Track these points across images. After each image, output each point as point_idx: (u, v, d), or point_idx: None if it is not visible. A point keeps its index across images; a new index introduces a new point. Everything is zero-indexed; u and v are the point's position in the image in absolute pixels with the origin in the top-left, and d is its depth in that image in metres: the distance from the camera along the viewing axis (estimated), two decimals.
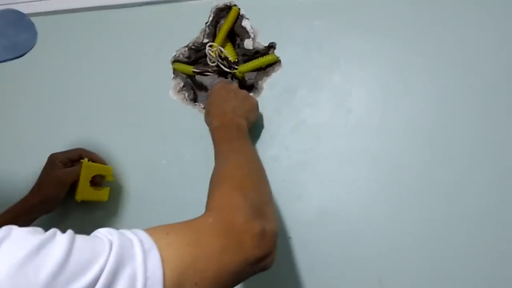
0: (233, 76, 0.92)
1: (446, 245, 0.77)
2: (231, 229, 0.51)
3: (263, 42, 0.91)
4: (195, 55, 0.95)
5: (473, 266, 0.75)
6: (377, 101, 0.84)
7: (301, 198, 0.84)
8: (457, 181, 0.78)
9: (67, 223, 0.92)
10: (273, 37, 0.91)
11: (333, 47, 0.87)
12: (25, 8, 0.56)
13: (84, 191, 0.86)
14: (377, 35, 0.86)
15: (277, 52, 0.90)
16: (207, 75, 0.94)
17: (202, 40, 0.93)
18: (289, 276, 0.82)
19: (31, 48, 0.51)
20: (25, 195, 0.85)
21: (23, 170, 0.94)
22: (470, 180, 0.78)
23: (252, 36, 0.91)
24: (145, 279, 0.41)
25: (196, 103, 0.93)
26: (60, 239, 0.40)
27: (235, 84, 0.85)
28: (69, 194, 0.87)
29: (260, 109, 0.86)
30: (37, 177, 0.87)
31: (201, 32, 0.94)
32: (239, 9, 0.92)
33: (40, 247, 0.38)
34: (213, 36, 0.94)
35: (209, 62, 0.91)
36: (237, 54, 0.93)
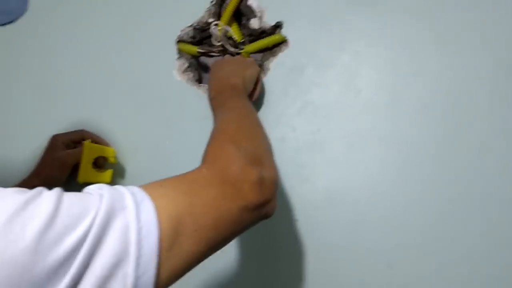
0: (239, 55, 0.90)
1: (459, 227, 0.75)
2: (226, 178, 0.50)
3: (269, 22, 0.89)
4: (200, 35, 0.93)
5: (487, 247, 0.73)
6: (387, 81, 0.82)
7: (308, 180, 0.82)
8: (469, 162, 0.76)
9: None
10: (279, 16, 0.88)
11: (341, 25, 0.85)
12: None
13: (86, 173, 0.84)
14: (387, 12, 0.83)
15: (284, 31, 0.88)
16: (212, 55, 0.92)
17: (207, 20, 0.91)
18: (295, 259, 0.80)
19: (22, 14, 0.49)
20: (24, 177, 0.84)
21: (23, 152, 0.93)
22: (483, 161, 0.75)
23: (258, 15, 0.89)
24: (139, 228, 0.39)
25: (201, 84, 0.91)
26: (47, 195, 0.38)
27: (227, 56, 0.83)
28: (71, 176, 0.85)
29: (267, 90, 0.84)
30: (37, 159, 0.85)
31: (206, 11, 0.92)
32: None
33: (27, 204, 0.37)
34: (218, 15, 0.92)
35: (214, 42, 0.89)
36: (243, 34, 0.91)
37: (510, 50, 0.78)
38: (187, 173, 0.50)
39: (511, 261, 0.72)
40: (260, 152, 0.57)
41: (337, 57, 0.84)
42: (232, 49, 0.88)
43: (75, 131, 0.87)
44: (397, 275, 0.77)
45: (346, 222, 0.79)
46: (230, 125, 0.61)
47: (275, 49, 0.88)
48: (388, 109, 0.81)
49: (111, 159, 0.86)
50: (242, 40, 0.89)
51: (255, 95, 0.81)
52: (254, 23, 0.90)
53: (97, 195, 0.41)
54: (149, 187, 0.44)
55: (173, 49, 0.92)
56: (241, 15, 0.92)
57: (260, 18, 0.89)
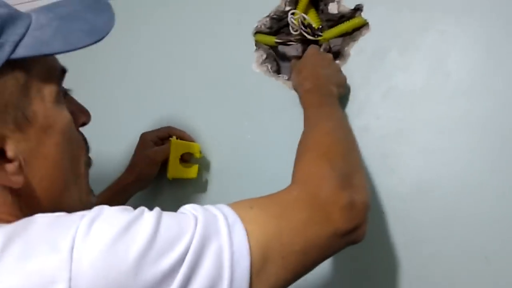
0: (317, 44, 0.87)
1: None
2: (317, 201, 0.49)
3: (348, 5, 0.85)
4: (277, 25, 0.91)
5: None
6: (479, 63, 0.75)
7: (394, 171, 0.78)
8: None
9: (160, 200, 0.95)
10: None
11: (426, 3, 0.79)
12: None
13: (175, 169, 0.87)
14: None
15: (364, 14, 0.83)
16: (290, 44, 0.90)
17: (284, 8, 0.89)
18: (382, 254, 0.78)
19: (110, 31, 0.50)
20: (120, 174, 0.89)
21: (118, 150, 0.98)
22: None
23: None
24: (232, 253, 0.40)
25: (280, 75, 0.90)
26: (147, 217, 0.40)
27: (330, 55, 0.81)
28: (161, 172, 0.89)
29: (348, 77, 0.81)
30: (130, 156, 0.90)
31: (282, 0, 0.90)
32: None
33: (129, 226, 0.39)
34: (295, 3, 0.89)
35: (291, 31, 0.87)
36: (321, 20, 0.88)
37: None
38: (277, 193, 0.50)
39: None
40: (354, 172, 0.55)
41: (423, 38, 0.79)
42: (310, 37, 0.85)
43: (162, 128, 0.91)
44: (495, 269, 0.71)
45: (438, 215, 0.75)
46: (326, 137, 0.59)
47: (355, 33, 0.84)
48: (481, 93, 0.74)
49: (197, 154, 0.89)
50: (320, 27, 0.86)
51: None
52: (332, 8, 0.86)
53: (192, 217, 0.42)
54: (239, 208, 0.45)
55: (250, 42, 0.92)
56: (318, 0, 0.89)
57: (339, 2, 0.85)
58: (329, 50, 0.85)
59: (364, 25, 0.83)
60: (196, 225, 0.41)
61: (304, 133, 0.62)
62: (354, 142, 0.63)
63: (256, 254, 0.42)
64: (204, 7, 0.97)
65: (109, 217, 0.40)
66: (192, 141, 0.91)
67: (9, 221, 0.41)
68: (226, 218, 0.43)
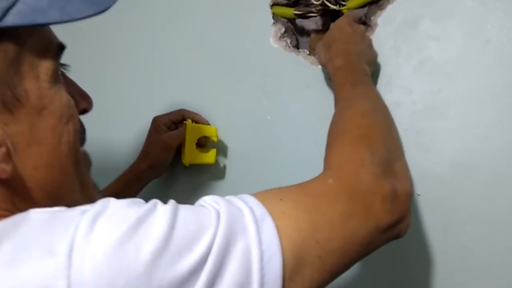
0: (341, 14, 0.80)
1: None
2: (355, 190, 0.43)
3: None
4: None
5: None
6: None
7: (430, 150, 0.72)
8: None
9: (176, 188, 0.89)
10: None
11: None
12: None
13: (191, 155, 0.81)
14: None
15: None
16: (310, 16, 0.83)
17: None
18: (419, 240, 0.72)
19: (114, 2, 0.44)
20: (132, 161, 0.83)
21: (129, 136, 0.93)
22: None
23: None
24: (261, 252, 0.34)
25: (300, 50, 0.83)
26: (161, 212, 0.34)
27: (362, 26, 0.74)
28: (176, 158, 0.84)
29: (376, 49, 0.74)
30: (142, 142, 0.84)
31: None
32: None
33: (140, 222, 0.33)
34: None
35: (313, 1, 0.80)
36: None
37: None
38: (310, 182, 0.44)
39: None
40: (395, 158, 0.49)
41: (459, 3, 0.71)
42: (333, 7, 0.78)
43: (175, 111, 0.85)
44: None
45: (478, 195, 0.69)
46: (364, 119, 0.52)
47: (382, 1, 0.77)
48: None
49: (214, 138, 0.83)
50: None
51: None
52: None
53: (213, 212, 0.36)
54: (267, 200, 0.39)
55: (267, 15, 0.85)
56: None
57: None
58: (362, 22, 0.78)
59: None
60: (218, 220, 0.35)
61: (337, 114, 0.56)
62: (393, 125, 0.57)
63: (289, 254, 0.36)
64: None
65: (116, 213, 0.34)
66: (208, 124, 0.86)
67: None
68: (252, 212, 0.37)
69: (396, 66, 0.75)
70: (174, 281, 0.31)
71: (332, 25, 0.73)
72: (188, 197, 0.86)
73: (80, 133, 0.46)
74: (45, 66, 0.40)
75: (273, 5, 0.85)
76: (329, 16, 0.83)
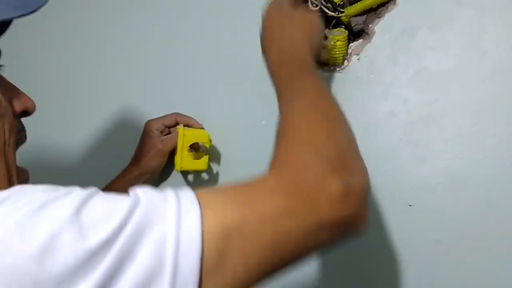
0: (338, 21, 0.80)
1: None
2: (299, 190, 0.41)
3: None
4: None
5: None
6: None
7: (424, 160, 0.71)
8: None
9: None
10: None
11: None
12: None
13: (183, 161, 0.81)
14: None
15: None
16: None
17: None
18: (410, 251, 0.71)
19: (42, 5, 0.45)
20: (124, 167, 0.82)
21: (120, 140, 0.92)
22: None
23: None
24: (178, 241, 0.34)
25: None
26: (72, 197, 0.34)
27: (286, 1, 0.67)
28: (168, 163, 0.83)
29: (372, 57, 0.74)
30: (134, 147, 0.84)
31: None
32: None
33: (44, 205, 0.33)
34: None
35: (310, 6, 0.80)
36: None
37: None
38: (252, 180, 0.42)
39: None
40: (345, 152, 0.47)
41: (457, 14, 0.71)
42: (331, 13, 0.78)
43: (169, 115, 0.84)
44: None
45: (472, 207, 0.68)
46: (303, 117, 0.50)
47: (381, 9, 0.77)
48: None
49: (207, 144, 0.82)
50: (342, 2, 0.79)
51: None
52: None
53: (132, 199, 0.35)
54: (201, 193, 0.38)
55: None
56: None
57: None
58: (350, 29, 0.78)
59: (391, 0, 0.76)
60: (135, 208, 0.34)
61: (279, 118, 0.53)
62: (339, 117, 0.52)
63: (211, 244, 0.35)
64: None
65: (25, 197, 0.34)
66: (201, 128, 0.85)
67: None
68: (179, 201, 0.36)
69: (392, 75, 0.75)
70: (70, 264, 0.31)
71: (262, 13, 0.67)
72: None
73: (16, 133, 0.47)
74: None
75: None
76: (330, 21, 0.83)
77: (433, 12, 0.72)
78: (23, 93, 0.50)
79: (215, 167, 0.86)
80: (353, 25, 0.80)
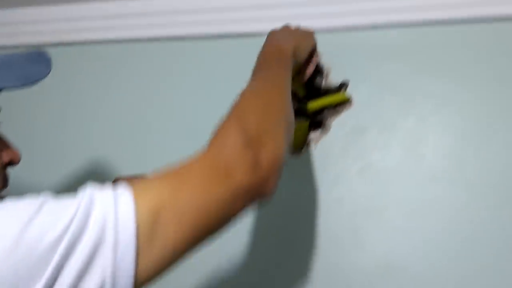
0: (301, 111, 0.89)
1: None
2: (217, 160, 0.49)
3: (334, 80, 0.88)
4: None
5: None
6: (453, 148, 0.78)
7: (364, 248, 0.79)
8: None
9: None
10: (345, 75, 0.87)
11: (407, 88, 0.83)
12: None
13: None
14: (457, 77, 0.80)
15: (349, 91, 0.86)
16: None
17: None
18: None
19: (43, 78, 0.54)
20: None
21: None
22: None
23: (324, 73, 0.89)
24: (116, 218, 0.41)
25: None
26: (35, 202, 0.41)
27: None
28: None
29: (327, 148, 0.83)
30: None
31: None
32: None
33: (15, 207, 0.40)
34: None
35: None
36: (307, 91, 0.91)
37: None
38: (187, 159, 0.50)
39: None
40: (266, 130, 0.54)
41: (402, 121, 0.82)
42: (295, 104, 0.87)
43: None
44: None
45: None
46: (248, 96, 0.58)
47: (339, 108, 0.87)
48: (453, 178, 0.77)
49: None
50: (304, 95, 0.89)
51: (307, 72, 0.80)
52: (319, 81, 0.89)
53: (80, 194, 0.43)
54: (136, 181, 0.46)
55: None
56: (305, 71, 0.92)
57: (326, 76, 0.89)
58: (312, 119, 0.87)
59: (348, 101, 0.86)
60: (82, 198, 0.41)
61: None
62: (278, 103, 0.60)
63: (144, 219, 0.42)
64: (195, 64, 0.98)
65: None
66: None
67: None
68: (114, 189, 0.43)
69: (343, 166, 0.83)
70: (42, 251, 0.38)
71: None
72: None
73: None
74: None
75: None
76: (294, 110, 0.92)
77: (381, 116, 0.83)
78: (9, 144, 0.58)
79: None
80: (315, 117, 0.90)
